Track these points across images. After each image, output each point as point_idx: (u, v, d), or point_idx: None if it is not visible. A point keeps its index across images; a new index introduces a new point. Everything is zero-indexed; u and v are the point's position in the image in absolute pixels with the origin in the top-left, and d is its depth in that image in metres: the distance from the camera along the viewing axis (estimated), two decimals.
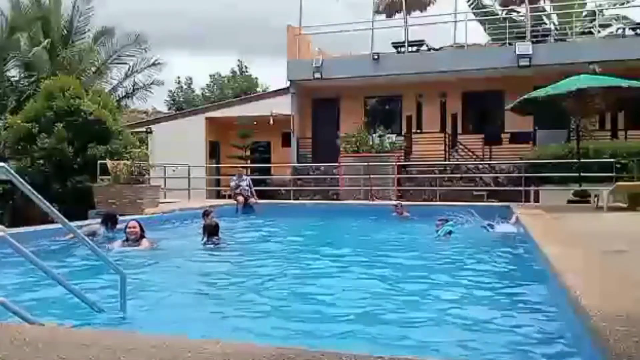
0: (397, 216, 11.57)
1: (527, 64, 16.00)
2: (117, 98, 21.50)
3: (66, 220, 3.74)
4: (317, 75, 17.91)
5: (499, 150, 17.19)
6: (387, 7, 23.67)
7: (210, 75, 41.37)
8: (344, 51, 20.40)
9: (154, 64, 22.15)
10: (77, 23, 21.21)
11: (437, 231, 8.30)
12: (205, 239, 7.50)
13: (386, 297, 4.64)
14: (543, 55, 16.00)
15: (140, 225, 7.33)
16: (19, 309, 2.97)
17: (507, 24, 19.23)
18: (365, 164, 14.95)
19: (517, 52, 16.11)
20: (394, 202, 12.32)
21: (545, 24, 21.43)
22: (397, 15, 23.02)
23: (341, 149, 16.59)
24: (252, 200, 13.22)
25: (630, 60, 14.72)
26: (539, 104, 11.58)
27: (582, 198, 11.73)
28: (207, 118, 20.61)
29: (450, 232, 8.21)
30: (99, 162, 12.08)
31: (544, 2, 22.69)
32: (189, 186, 14.83)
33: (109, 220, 8.10)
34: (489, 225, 8.59)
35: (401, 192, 15.50)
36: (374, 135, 16.21)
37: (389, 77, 17.64)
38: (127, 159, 11.32)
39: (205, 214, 9.59)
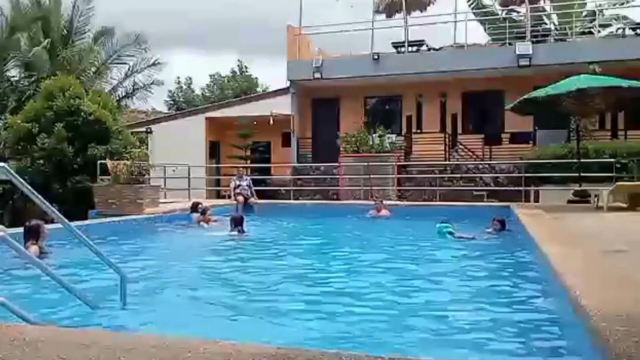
0: (373, 215, 11.39)
1: (527, 64, 15.99)
2: (117, 98, 21.50)
3: (66, 220, 3.74)
4: (317, 75, 17.90)
5: (499, 150, 17.18)
6: (387, 7, 23.67)
7: (210, 75, 41.42)
8: (344, 51, 20.41)
9: (154, 64, 22.16)
10: (77, 23, 21.21)
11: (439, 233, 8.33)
12: (232, 228, 8.70)
13: (383, 295, 4.64)
14: (543, 55, 16.00)
15: None
16: (19, 309, 2.97)
17: (507, 24, 19.21)
18: (365, 164, 14.94)
19: (517, 52, 16.10)
20: (374, 202, 11.98)
21: (545, 24, 21.41)
22: (397, 15, 23.03)
23: (341, 149, 16.59)
24: (252, 200, 13.22)
25: (630, 60, 14.70)
26: (539, 104, 11.57)
27: (582, 198, 11.71)
28: (207, 118, 20.60)
29: (451, 233, 8.22)
30: (99, 162, 12.07)
31: (544, 2, 22.69)
32: (189, 186, 14.81)
33: (196, 208, 10.30)
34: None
35: (401, 192, 15.51)
36: (374, 135, 16.20)
37: (389, 77, 17.63)
38: (127, 159, 11.31)
39: (193, 206, 10.57)
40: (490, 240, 8.13)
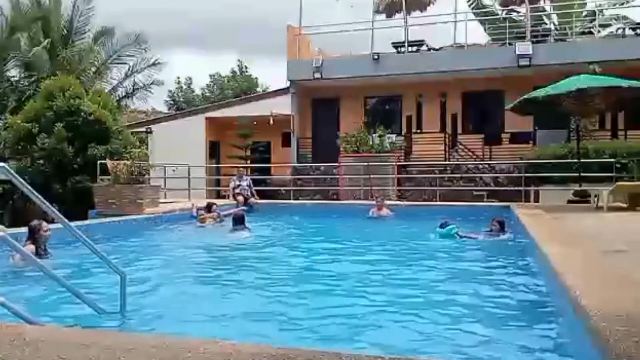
0: (374, 215, 11.34)
1: (527, 64, 15.99)
2: (117, 98, 21.49)
3: (66, 220, 3.74)
4: (317, 75, 17.90)
5: (499, 150, 17.18)
6: (387, 7, 23.68)
7: (210, 75, 41.42)
8: (344, 51, 20.41)
9: (154, 64, 22.15)
10: (77, 23, 21.21)
11: (440, 233, 8.27)
12: (233, 226, 8.87)
13: (384, 295, 4.64)
14: (543, 55, 16.00)
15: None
16: (19, 309, 2.97)
17: (507, 24, 19.21)
18: (365, 164, 14.95)
19: (517, 52, 16.10)
20: (375, 200, 11.91)
21: (545, 24, 21.42)
22: (397, 15, 23.04)
23: (341, 149, 16.59)
24: (252, 200, 13.23)
25: (630, 60, 14.71)
26: (539, 104, 11.57)
27: (582, 198, 11.71)
28: (207, 118, 20.60)
29: (457, 233, 8.21)
30: (99, 162, 12.07)
31: (544, 2, 22.69)
32: (189, 186, 14.81)
33: (208, 207, 10.64)
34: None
35: (401, 192, 15.50)
36: (374, 135, 16.20)
37: (389, 77, 17.63)
38: (127, 159, 11.31)
39: (207, 206, 10.78)
40: (492, 241, 8.11)
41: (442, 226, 8.38)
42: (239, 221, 8.93)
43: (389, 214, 11.41)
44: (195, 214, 10.57)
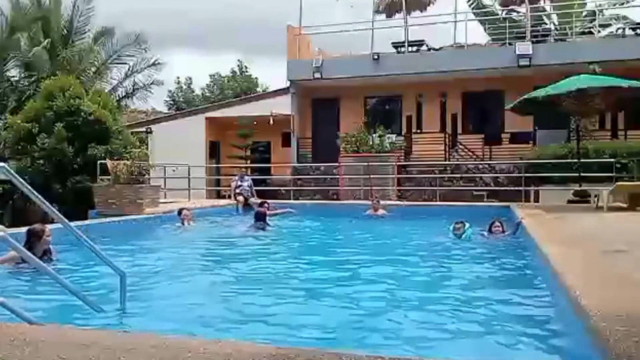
0: (371, 215, 11.42)
1: (527, 64, 15.99)
2: (117, 98, 21.48)
3: (66, 220, 3.74)
4: (317, 75, 17.90)
5: (499, 150, 17.19)
6: (387, 7, 23.69)
7: (210, 75, 41.44)
8: (344, 51, 20.42)
9: (154, 64, 22.15)
10: (77, 23, 21.20)
11: (456, 235, 8.20)
12: (254, 222, 9.02)
13: (386, 295, 4.64)
14: (543, 55, 16.00)
15: None
16: (19, 309, 2.97)
17: (507, 24, 19.22)
18: (365, 164, 14.95)
19: (517, 52, 16.10)
20: (371, 202, 12.04)
21: (545, 24, 21.42)
22: (397, 15, 23.06)
23: (341, 149, 16.60)
24: (252, 200, 13.26)
25: (630, 60, 14.71)
26: (539, 104, 11.57)
27: (582, 198, 11.72)
28: (207, 118, 20.61)
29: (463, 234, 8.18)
30: (99, 162, 12.07)
31: (544, 2, 22.69)
32: (189, 186, 14.81)
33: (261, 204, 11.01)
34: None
35: (401, 192, 15.51)
36: (374, 135, 16.21)
37: (389, 77, 17.64)
38: (127, 159, 11.31)
39: (260, 205, 11.14)
40: (500, 240, 8.09)
41: (456, 227, 8.35)
42: (259, 218, 8.98)
43: (385, 214, 11.51)
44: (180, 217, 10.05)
